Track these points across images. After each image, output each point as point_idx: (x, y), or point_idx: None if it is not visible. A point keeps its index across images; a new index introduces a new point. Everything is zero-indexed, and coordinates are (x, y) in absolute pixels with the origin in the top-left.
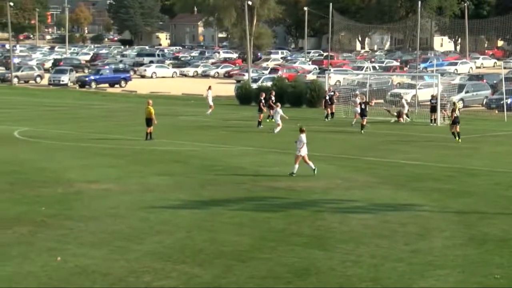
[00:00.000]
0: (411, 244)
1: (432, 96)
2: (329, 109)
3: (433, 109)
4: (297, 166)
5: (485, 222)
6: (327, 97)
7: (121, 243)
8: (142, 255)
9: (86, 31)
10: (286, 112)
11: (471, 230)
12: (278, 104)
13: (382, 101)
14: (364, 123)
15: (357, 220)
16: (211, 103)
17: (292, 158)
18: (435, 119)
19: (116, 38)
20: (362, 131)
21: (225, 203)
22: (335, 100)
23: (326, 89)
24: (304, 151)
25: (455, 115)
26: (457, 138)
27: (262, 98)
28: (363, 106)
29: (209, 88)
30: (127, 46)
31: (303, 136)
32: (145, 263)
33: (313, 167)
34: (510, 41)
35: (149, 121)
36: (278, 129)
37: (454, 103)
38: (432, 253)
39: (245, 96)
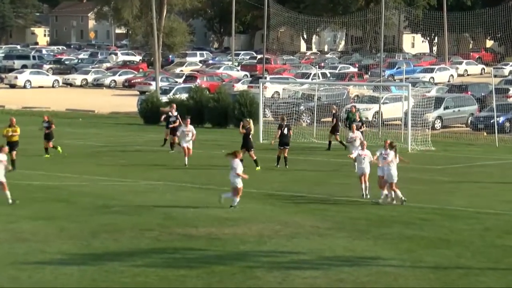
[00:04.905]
0: None
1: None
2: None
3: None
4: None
5: (471, 280)
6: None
7: None
8: None
9: None
10: (207, 133)
11: None
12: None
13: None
14: (286, 154)
15: (301, 279)
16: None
17: (213, 195)
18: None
19: None
20: (278, 165)
21: (125, 257)
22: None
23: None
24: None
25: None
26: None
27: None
28: (285, 132)
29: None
30: None
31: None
32: None
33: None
34: (502, 41)
35: (12, 145)
36: None
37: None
38: None
39: (152, 112)
